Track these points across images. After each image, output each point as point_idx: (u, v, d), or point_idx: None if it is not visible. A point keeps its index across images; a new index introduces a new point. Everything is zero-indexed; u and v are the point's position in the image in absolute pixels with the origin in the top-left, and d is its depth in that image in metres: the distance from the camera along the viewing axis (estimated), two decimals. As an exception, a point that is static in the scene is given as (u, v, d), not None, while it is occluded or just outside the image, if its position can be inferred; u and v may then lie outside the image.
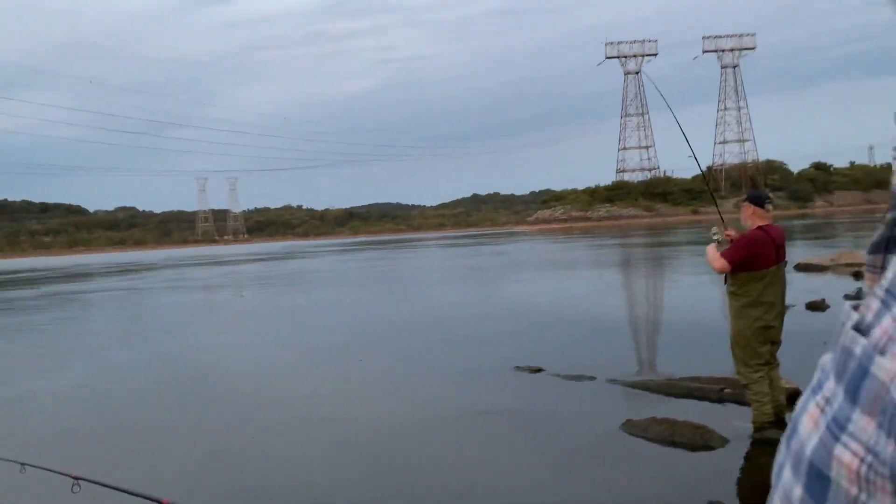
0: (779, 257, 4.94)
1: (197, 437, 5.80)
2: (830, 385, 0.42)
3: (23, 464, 3.57)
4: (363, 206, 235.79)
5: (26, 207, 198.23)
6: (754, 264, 4.89)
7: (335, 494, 4.36)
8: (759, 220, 4.99)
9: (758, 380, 4.97)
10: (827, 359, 0.43)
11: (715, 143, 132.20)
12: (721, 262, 4.98)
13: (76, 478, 3.27)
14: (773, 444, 4.70)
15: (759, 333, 4.92)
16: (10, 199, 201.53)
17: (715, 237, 5.20)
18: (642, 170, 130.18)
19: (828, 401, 0.42)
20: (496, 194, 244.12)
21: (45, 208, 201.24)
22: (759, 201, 5.04)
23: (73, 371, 9.21)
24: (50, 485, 3.69)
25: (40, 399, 7.60)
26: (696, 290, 13.52)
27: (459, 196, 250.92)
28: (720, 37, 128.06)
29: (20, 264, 78.87)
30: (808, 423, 0.42)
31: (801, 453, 0.42)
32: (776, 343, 5.07)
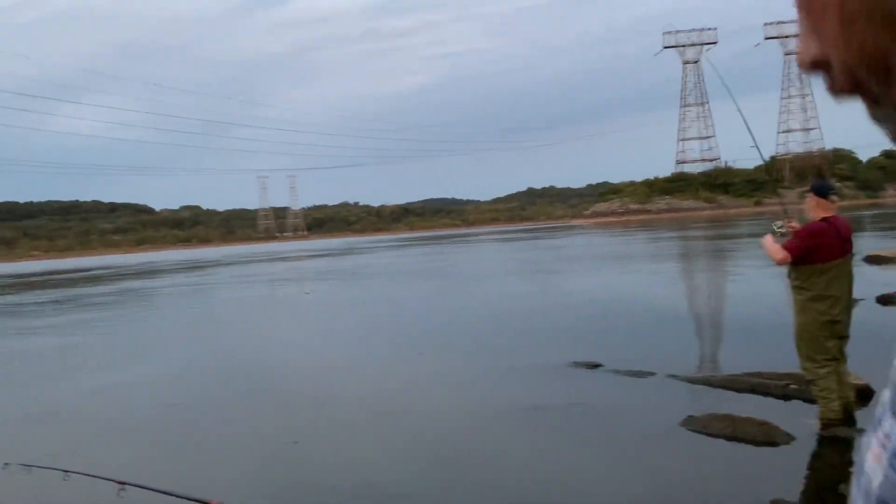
0: (844, 250, 4.79)
1: (258, 433, 5.96)
2: (888, 420, 0.42)
3: (66, 471, 3.58)
4: (418, 202, 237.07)
5: (96, 207, 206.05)
6: (817, 257, 4.75)
7: (396, 487, 4.44)
8: (823, 212, 4.85)
9: (824, 375, 4.84)
10: (886, 395, 0.44)
11: (778, 133, 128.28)
12: (782, 254, 4.86)
13: (121, 483, 3.28)
14: (841, 442, 4.60)
15: (824, 328, 4.78)
16: (81, 199, 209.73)
17: (779, 230, 5.08)
18: (703, 160, 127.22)
19: (888, 436, 0.42)
20: (552, 188, 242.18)
21: (113, 208, 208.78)
22: (822, 192, 4.89)
23: (151, 364, 9.57)
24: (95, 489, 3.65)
25: (118, 390, 7.92)
26: (758, 284, 13.18)
27: (514, 190, 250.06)
28: (783, 22, 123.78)
29: (93, 262, 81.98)
30: (871, 460, 0.42)
31: (870, 490, 0.42)
32: (844, 338, 4.92)
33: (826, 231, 4.77)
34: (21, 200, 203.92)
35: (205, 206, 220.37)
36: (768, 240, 5.09)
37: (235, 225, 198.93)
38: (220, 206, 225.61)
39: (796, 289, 4.92)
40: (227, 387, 7.83)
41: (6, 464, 3.97)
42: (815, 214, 4.88)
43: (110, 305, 20.32)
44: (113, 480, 3.36)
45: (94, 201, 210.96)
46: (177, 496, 3.07)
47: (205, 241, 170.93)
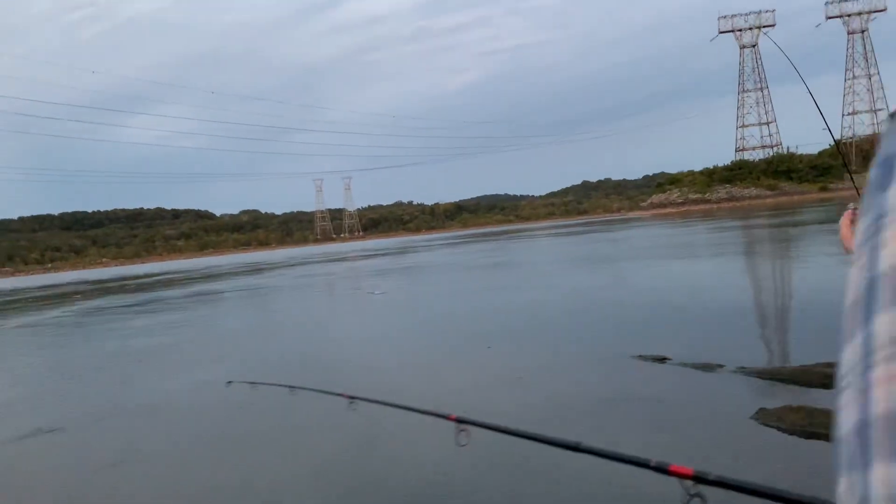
0: None
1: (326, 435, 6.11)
2: None
3: (291, 386, 4.24)
4: (472, 199, 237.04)
5: (160, 214, 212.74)
6: None
7: (465, 483, 4.51)
8: None
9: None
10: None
11: (843, 115, 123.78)
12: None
13: (351, 397, 3.68)
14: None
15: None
16: (146, 207, 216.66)
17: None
18: (763, 147, 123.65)
19: None
20: (607, 180, 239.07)
21: (176, 214, 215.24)
22: None
23: (226, 363, 9.89)
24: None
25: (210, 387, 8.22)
26: (827, 271, 12.79)
27: (568, 184, 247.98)
28: (846, 0, 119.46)
29: (161, 267, 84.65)
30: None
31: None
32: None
33: None
34: (89, 210, 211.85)
35: (263, 210, 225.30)
36: (845, 224, 4.95)
37: (293, 227, 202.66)
38: (278, 210, 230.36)
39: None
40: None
41: (229, 382, 4.46)
42: None
43: (215, 303, 21.00)
44: (342, 395, 3.79)
45: (157, 208, 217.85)
46: (412, 409, 3.25)
47: (264, 244, 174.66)
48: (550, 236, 54.66)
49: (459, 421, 2.99)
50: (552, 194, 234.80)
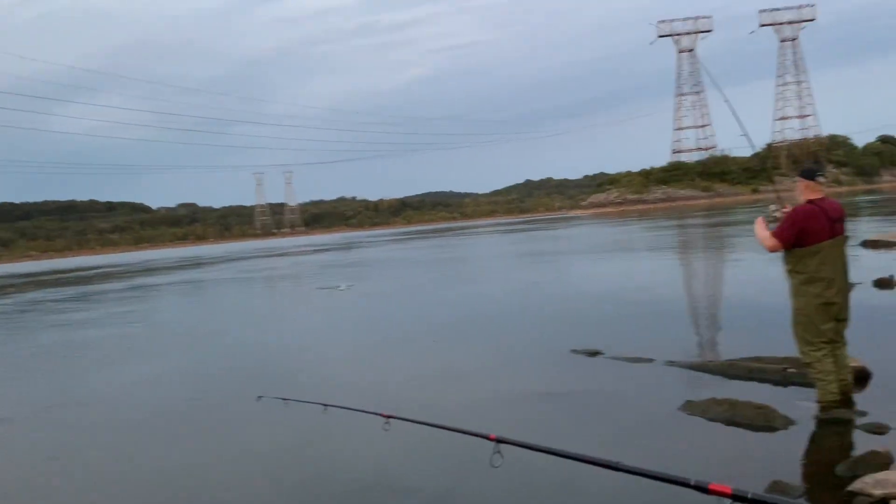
0: (834, 231, 4.80)
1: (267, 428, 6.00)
2: None
3: (325, 405, 4.28)
4: (416, 196, 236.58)
5: (93, 206, 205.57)
6: (806, 239, 4.78)
7: (401, 473, 4.48)
8: (811, 194, 4.89)
9: (821, 358, 4.87)
10: None
11: (774, 120, 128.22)
12: (772, 241, 4.91)
13: (387, 416, 3.69)
14: (839, 424, 4.64)
15: (820, 311, 4.81)
16: (78, 199, 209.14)
17: (774, 213, 5.11)
18: (699, 149, 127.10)
19: None
20: (549, 179, 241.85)
21: (110, 207, 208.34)
22: (809, 175, 4.93)
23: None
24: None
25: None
26: (755, 269, 13.21)
27: (512, 182, 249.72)
28: (778, 9, 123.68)
29: (94, 261, 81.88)
30: None
31: None
32: (842, 320, 4.95)
33: (813, 213, 4.80)
34: (17, 201, 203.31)
35: (201, 204, 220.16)
36: (760, 227, 5.10)
37: (232, 222, 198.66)
38: (217, 204, 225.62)
39: (790, 272, 4.96)
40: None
41: (260, 397, 4.29)
42: (803, 197, 4.92)
43: (167, 296, 20.33)
44: (378, 414, 3.79)
45: (90, 201, 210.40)
46: (444, 428, 3.34)
47: (201, 238, 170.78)
48: (494, 234, 55.05)
49: (499, 441, 3.09)
50: (496, 192, 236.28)
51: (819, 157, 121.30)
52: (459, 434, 3.29)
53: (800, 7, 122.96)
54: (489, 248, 35.33)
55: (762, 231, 5.07)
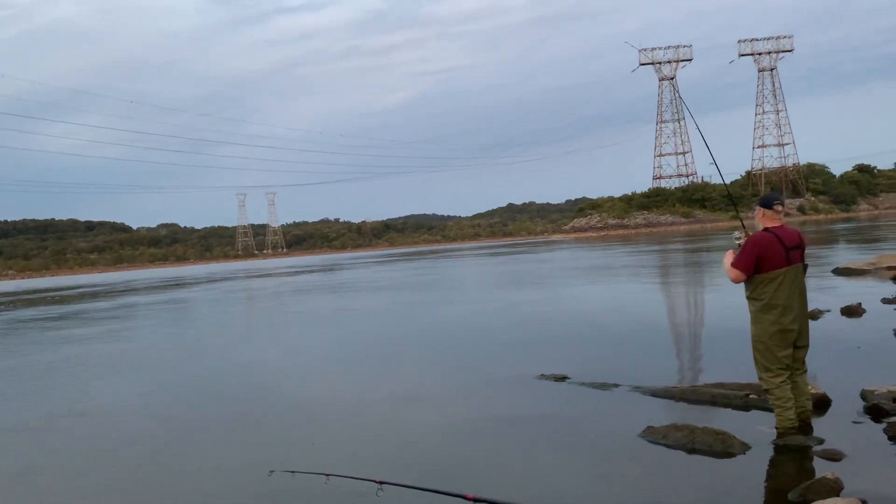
0: (791, 258, 4.87)
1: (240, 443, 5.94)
2: None
3: (328, 475, 4.22)
4: (399, 218, 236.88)
5: (73, 226, 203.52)
6: (763, 266, 4.85)
7: (357, 494, 4.45)
8: (768, 222, 4.97)
9: (779, 385, 4.91)
10: None
11: (754, 148, 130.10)
12: (733, 273, 4.98)
13: (381, 482, 3.79)
14: (795, 451, 4.67)
15: (776, 337, 4.86)
16: (57, 218, 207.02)
17: (738, 241, 5.18)
18: (679, 176, 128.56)
19: None
20: (532, 203, 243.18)
21: (90, 226, 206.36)
22: (766, 203, 5.01)
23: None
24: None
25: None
26: (727, 295, 13.33)
27: (495, 206, 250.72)
28: (757, 40, 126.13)
29: (74, 281, 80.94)
30: None
31: None
32: (800, 347, 5.00)
33: (769, 240, 4.87)
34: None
35: (183, 224, 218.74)
36: (728, 258, 5.18)
37: (213, 242, 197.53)
38: (199, 224, 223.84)
39: (749, 299, 5.02)
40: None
41: (272, 471, 4.36)
42: (761, 225, 5.00)
43: (162, 315, 20.08)
44: (374, 480, 3.89)
45: (70, 220, 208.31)
46: (433, 491, 3.52)
47: (182, 259, 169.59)
48: (477, 257, 55.12)
49: (476, 500, 3.36)
50: (478, 215, 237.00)
51: (798, 185, 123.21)
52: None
53: (778, 38, 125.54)
54: (470, 270, 35.38)
55: (726, 262, 5.14)
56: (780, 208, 4.98)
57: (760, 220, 5.02)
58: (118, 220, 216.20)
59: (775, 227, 4.95)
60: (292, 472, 4.53)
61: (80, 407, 8.06)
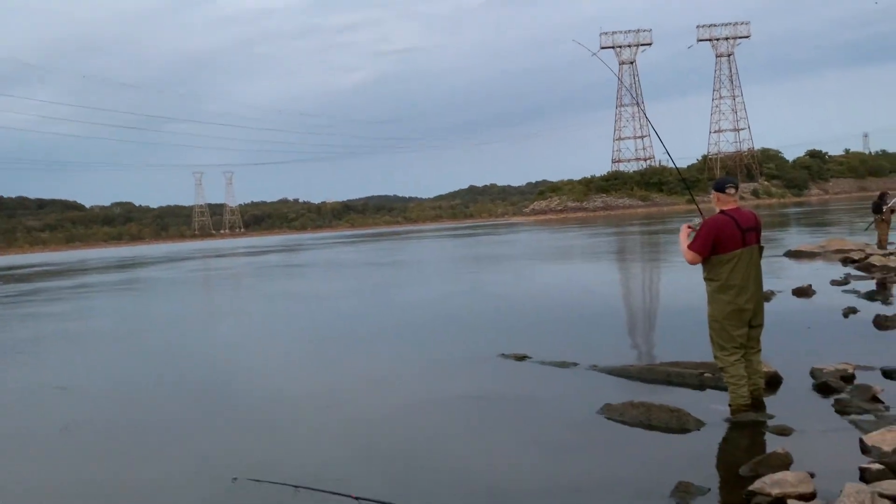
0: (746, 240, 4.98)
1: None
2: None
3: (296, 486, 3.99)
4: (360, 199, 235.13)
5: (22, 203, 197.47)
6: (719, 248, 4.95)
7: (325, 476, 4.43)
8: (723, 205, 5.08)
9: (733, 363, 5.03)
10: None
11: (710, 132, 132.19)
12: (690, 255, 5.08)
13: (357, 497, 3.63)
14: (748, 427, 4.80)
15: (731, 317, 4.97)
16: (5, 195, 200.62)
17: (694, 225, 5.27)
18: (637, 160, 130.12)
19: None
20: (493, 185, 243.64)
21: (41, 204, 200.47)
22: (719, 187, 5.12)
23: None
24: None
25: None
26: (684, 276, 13.58)
27: (456, 188, 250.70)
28: (715, 25, 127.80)
29: (25, 260, 78.73)
30: None
31: None
32: (755, 327, 5.12)
33: (724, 222, 4.97)
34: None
35: (137, 203, 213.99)
36: (683, 239, 5.27)
37: (169, 222, 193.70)
38: (154, 203, 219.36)
39: (706, 280, 5.12)
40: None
41: (235, 478, 4.06)
42: (717, 208, 5.11)
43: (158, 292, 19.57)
44: (349, 496, 3.73)
45: (19, 197, 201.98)
46: None
47: (137, 238, 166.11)
48: (438, 238, 55.14)
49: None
50: (440, 197, 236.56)
51: (753, 169, 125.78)
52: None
53: (735, 24, 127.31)
54: (433, 252, 35.38)
55: (683, 244, 5.22)
56: (732, 191, 5.08)
57: (716, 203, 5.12)
58: (70, 198, 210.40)
59: (731, 209, 5.04)
60: (257, 480, 4.18)
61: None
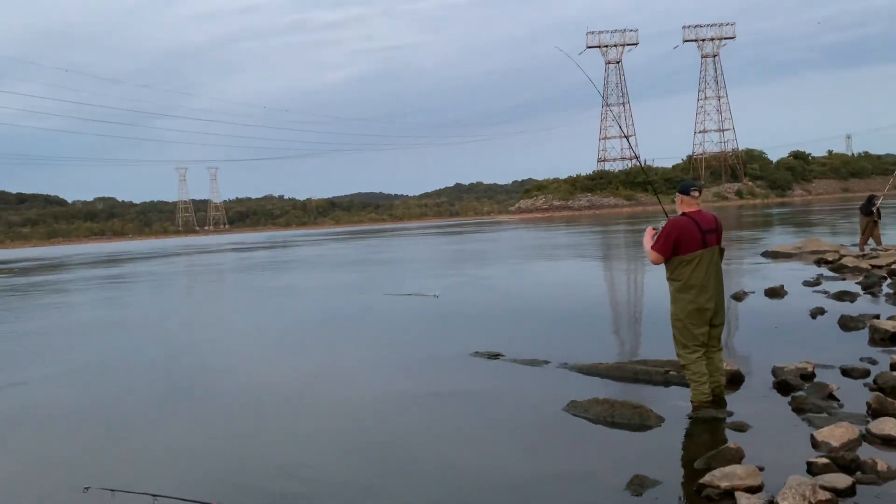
0: (707, 241, 5.13)
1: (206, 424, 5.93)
2: None
3: (155, 495, 3.75)
4: (345, 196, 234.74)
5: (3, 198, 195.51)
6: (680, 249, 5.11)
7: (297, 468, 4.53)
8: (686, 207, 5.23)
9: (695, 361, 5.18)
10: None
11: (695, 132, 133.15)
12: (653, 255, 5.24)
13: None
14: (707, 423, 4.94)
15: (693, 316, 5.12)
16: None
17: (660, 228, 5.41)
18: (623, 159, 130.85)
19: None
20: (479, 184, 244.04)
21: (22, 199, 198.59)
22: (684, 190, 5.28)
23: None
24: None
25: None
26: (660, 276, 13.77)
27: (442, 185, 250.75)
28: (700, 26, 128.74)
29: (7, 255, 77.95)
30: None
31: None
32: (716, 325, 5.27)
33: (683, 225, 5.12)
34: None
35: (120, 198, 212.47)
36: (647, 240, 5.42)
37: (153, 218, 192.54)
38: (137, 199, 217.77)
39: (668, 280, 5.28)
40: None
41: (86, 487, 3.84)
42: (680, 210, 5.26)
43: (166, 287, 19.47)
44: (204, 503, 3.61)
45: (0, 192, 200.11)
46: None
47: (120, 234, 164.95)
48: (424, 236, 55.22)
49: None
50: (426, 195, 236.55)
51: (737, 170, 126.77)
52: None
53: (721, 25, 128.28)
54: (417, 250, 35.47)
55: (646, 245, 5.37)
56: (696, 194, 5.24)
57: (679, 205, 5.27)
58: (52, 193, 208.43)
59: (693, 211, 5.19)
60: (112, 490, 3.93)
61: None
